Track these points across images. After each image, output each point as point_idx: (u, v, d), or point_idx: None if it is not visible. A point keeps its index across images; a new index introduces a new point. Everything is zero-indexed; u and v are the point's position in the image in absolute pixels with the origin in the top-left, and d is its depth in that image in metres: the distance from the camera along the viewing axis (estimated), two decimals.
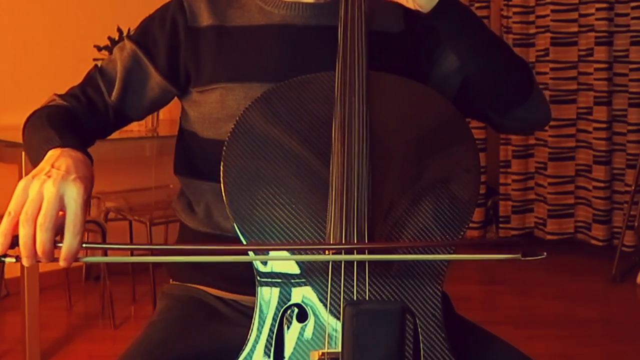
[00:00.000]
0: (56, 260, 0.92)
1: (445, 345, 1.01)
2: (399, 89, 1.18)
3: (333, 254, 0.99)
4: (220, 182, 1.06)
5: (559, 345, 2.96)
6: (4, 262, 0.93)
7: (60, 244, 0.92)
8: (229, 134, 1.09)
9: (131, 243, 3.57)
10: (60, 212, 0.92)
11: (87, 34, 3.42)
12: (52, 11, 3.62)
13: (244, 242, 1.03)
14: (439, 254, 1.04)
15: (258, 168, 1.06)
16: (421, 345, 1.00)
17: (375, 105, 1.10)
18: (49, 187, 0.92)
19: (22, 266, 2.66)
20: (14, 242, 0.91)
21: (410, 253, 1.02)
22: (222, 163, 1.07)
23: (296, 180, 1.06)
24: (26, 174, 2.64)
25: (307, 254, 1.01)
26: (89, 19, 3.66)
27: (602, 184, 4.01)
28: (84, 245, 0.93)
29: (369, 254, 1.00)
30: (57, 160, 0.99)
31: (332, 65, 1.13)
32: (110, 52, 3.17)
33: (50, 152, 1.03)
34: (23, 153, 2.62)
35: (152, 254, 1.00)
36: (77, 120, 1.22)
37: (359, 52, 1.13)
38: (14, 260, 0.92)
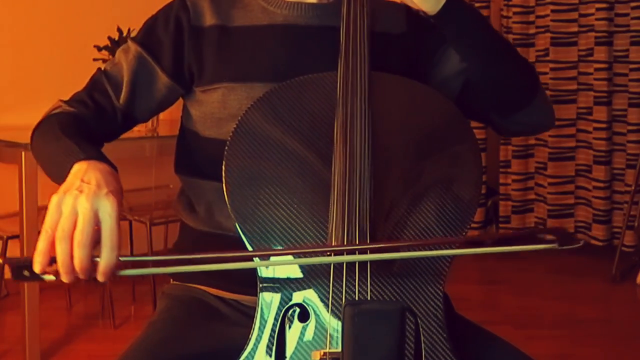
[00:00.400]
0: (94, 274, 0.93)
1: (447, 345, 1.01)
2: (401, 89, 1.18)
3: (335, 255, 0.99)
4: (221, 182, 1.06)
5: (559, 345, 2.96)
6: (43, 279, 0.93)
7: (97, 259, 0.92)
8: (230, 134, 1.09)
9: (131, 243, 3.57)
10: (95, 227, 0.93)
11: (87, 34, 3.42)
12: (52, 11, 3.62)
13: (245, 242, 1.03)
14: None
15: (260, 168, 1.06)
16: (422, 345, 1.00)
17: (377, 105, 1.10)
18: (83, 203, 0.92)
19: None
20: (52, 260, 0.92)
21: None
22: (224, 163, 1.07)
23: (298, 180, 1.06)
24: (26, 175, 2.64)
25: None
26: (89, 19, 3.66)
27: (602, 184, 4.01)
28: (121, 259, 0.94)
29: (371, 254, 1.00)
30: (86, 174, 0.99)
31: (335, 65, 1.13)
32: (111, 52, 3.19)
33: (76, 166, 1.02)
34: (23, 153, 2.62)
35: (192, 263, 1.00)
36: (88, 127, 1.21)
37: (361, 52, 1.13)
38: (53, 277, 0.92)
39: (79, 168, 1.01)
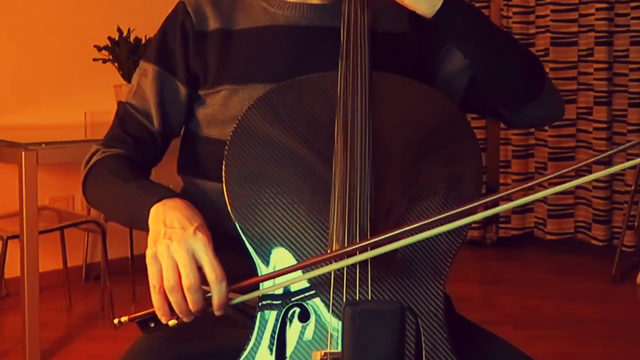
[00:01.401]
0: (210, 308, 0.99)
1: (447, 345, 1.01)
2: (401, 89, 1.18)
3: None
4: (222, 182, 1.06)
5: (559, 345, 2.96)
6: (168, 325, 1.00)
7: (209, 294, 0.98)
8: (230, 134, 1.09)
9: (131, 243, 3.57)
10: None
11: (87, 34, 3.42)
12: (52, 11, 3.62)
13: (245, 243, 1.03)
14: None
15: (260, 168, 1.07)
16: (423, 345, 1.00)
17: (377, 104, 1.11)
18: (177, 250, 0.98)
19: (22, 266, 2.66)
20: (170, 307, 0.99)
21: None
22: (224, 162, 1.07)
23: (298, 180, 1.06)
24: (26, 175, 2.66)
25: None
26: (89, 19, 3.66)
27: (602, 184, 4.01)
28: (231, 288, 0.98)
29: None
30: (167, 217, 1.03)
31: (337, 66, 1.13)
32: (111, 52, 3.18)
33: (152, 212, 1.06)
34: (23, 153, 2.62)
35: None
36: (136, 162, 1.24)
37: (361, 52, 1.13)
38: (175, 321, 1.00)
39: (156, 212, 1.05)
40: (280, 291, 1.02)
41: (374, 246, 0.98)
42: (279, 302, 1.01)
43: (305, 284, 1.01)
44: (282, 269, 1.00)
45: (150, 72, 1.28)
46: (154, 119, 1.27)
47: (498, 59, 1.20)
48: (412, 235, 0.98)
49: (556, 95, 1.30)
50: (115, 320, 1.02)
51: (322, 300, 1.00)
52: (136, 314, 1.02)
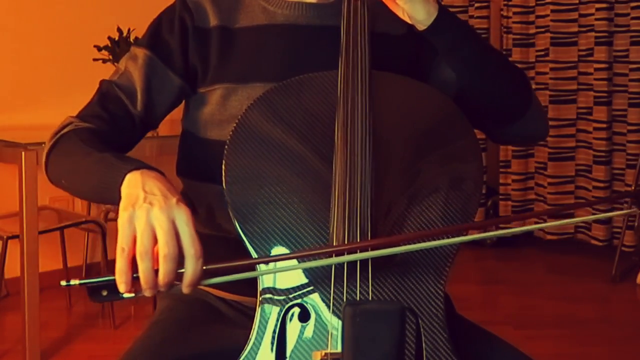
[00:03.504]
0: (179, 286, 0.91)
1: (448, 345, 1.01)
2: (401, 88, 1.18)
3: (337, 255, 0.99)
4: (222, 182, 1.06)
5: (559, 345, 2.96)
6: (122, 298, 0.92)
7: (181, 270, 0.90)
8: (230, 133, 1.09)
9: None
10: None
11: (87, 34, 3.41)
12: (52, 11, 3.62)
13: (245, 243, 1.03)
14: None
15: (259, 167, 1.06)
16: (424, 345, 1.00)
17: (377, 103, 1.11)
18: (158, 216, 0.90)
19: (22, 266, 2.66)
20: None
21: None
22: (223, 162, 1.07)
23: (298, 179, 1.06)
24: (26, 175, 2.64)
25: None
26: (89, 19, 3.66)
27: (602, 184, 4.01)
28: (204, 267, 0.92)
29: (372, 250, 0.99)
30: (146, 184, 0.96)
31: (335, 65, 1.13)
32: (111, 52, 3.18)
33: (128, 178, 0.98)
34: (23, 153, 2.62)
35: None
36: (108, 140, 1.16)
37: (362, 51, 1.13)
38: (133, 295, 0.91)
39: (133, 179, 0.98)
40: (280, 292, 1.02)
41: (374, 247, 0.98)
42: (279, 302, 1.01)
43: (305, 282, 1.01)
44: (263, 257, 0.99)
45: (141, 57, 1.26)
46: (138, 101, 1.24)
47: (485, 79, 1.21)
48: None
49: (541, 116, 1.31)
50: (63, 282, 0.94)
51: (323, 300, 1.00)
52: (90, 279, 0.93)
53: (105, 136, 1.17)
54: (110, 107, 1.23)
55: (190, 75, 1.26)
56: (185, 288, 0.92)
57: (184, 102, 1.32)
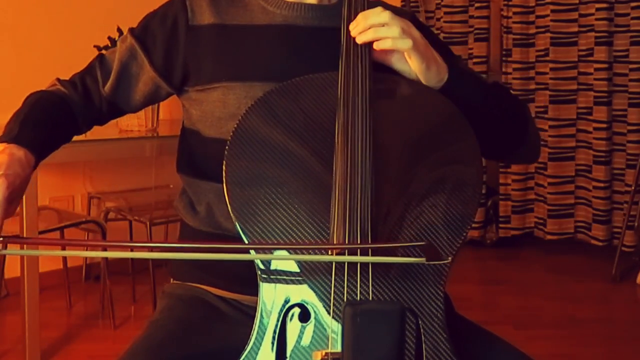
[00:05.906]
0: None
1: (448, 345, 1.01)
2: (402, 89, 1.18)
3: (337, 254, 0.99)
4: (222, 182, 1.06)
5: (559, 345, 2.96)
6: None
7: None
8: (230, 135, 1.09)
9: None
10: None
11: (87, 34, 3.41)
12: (52, 11, 3.62)
13: (246, 242, 1.03)
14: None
15: (260, 169, 1.07)
16: (423, 345, 1.00)
17: (377, 105, 1.11)
18: None
19: (22, 266, 2.66)
20: None
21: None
22: (224, 163, 1.07)
23: (298, 180, 1.06)
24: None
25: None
26: (89, 19, 3.66)
27: (602, 184, 4.01)
28: (6, 238, 1.03)
29: (372, 254, 0.99)
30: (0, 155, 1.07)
31: (334, 66, 1.14)
32: None
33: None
34: None
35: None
36: (70, 110, 1.26)
37: (362, 52, 1.14)
38: None
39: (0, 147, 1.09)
40: (280, 291, 1.02)
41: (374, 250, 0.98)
42: (280, 302, 1.01)
43: (305, 283, 1.01)
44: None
45: (127, 42, 1.31)
46: (108, 83, 1.30)
47: (484, 119, 1.21)
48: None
49: (534, 148, 1.33)
50: None
51: (323, 300, 1.00)
52: None
53: (69, 106, 1.27)
54: (87, 81, 1.31)
55: (171, 73, 1.28)
56: None
57: (184, 102, 1.33)
